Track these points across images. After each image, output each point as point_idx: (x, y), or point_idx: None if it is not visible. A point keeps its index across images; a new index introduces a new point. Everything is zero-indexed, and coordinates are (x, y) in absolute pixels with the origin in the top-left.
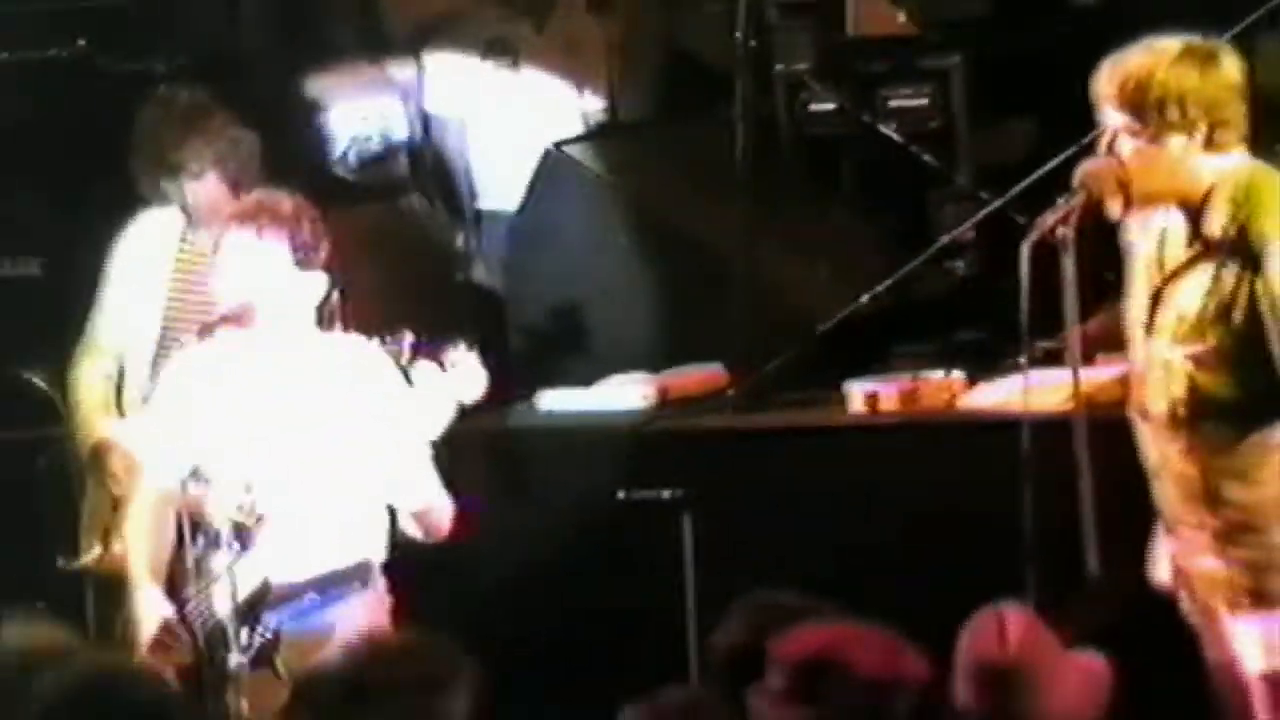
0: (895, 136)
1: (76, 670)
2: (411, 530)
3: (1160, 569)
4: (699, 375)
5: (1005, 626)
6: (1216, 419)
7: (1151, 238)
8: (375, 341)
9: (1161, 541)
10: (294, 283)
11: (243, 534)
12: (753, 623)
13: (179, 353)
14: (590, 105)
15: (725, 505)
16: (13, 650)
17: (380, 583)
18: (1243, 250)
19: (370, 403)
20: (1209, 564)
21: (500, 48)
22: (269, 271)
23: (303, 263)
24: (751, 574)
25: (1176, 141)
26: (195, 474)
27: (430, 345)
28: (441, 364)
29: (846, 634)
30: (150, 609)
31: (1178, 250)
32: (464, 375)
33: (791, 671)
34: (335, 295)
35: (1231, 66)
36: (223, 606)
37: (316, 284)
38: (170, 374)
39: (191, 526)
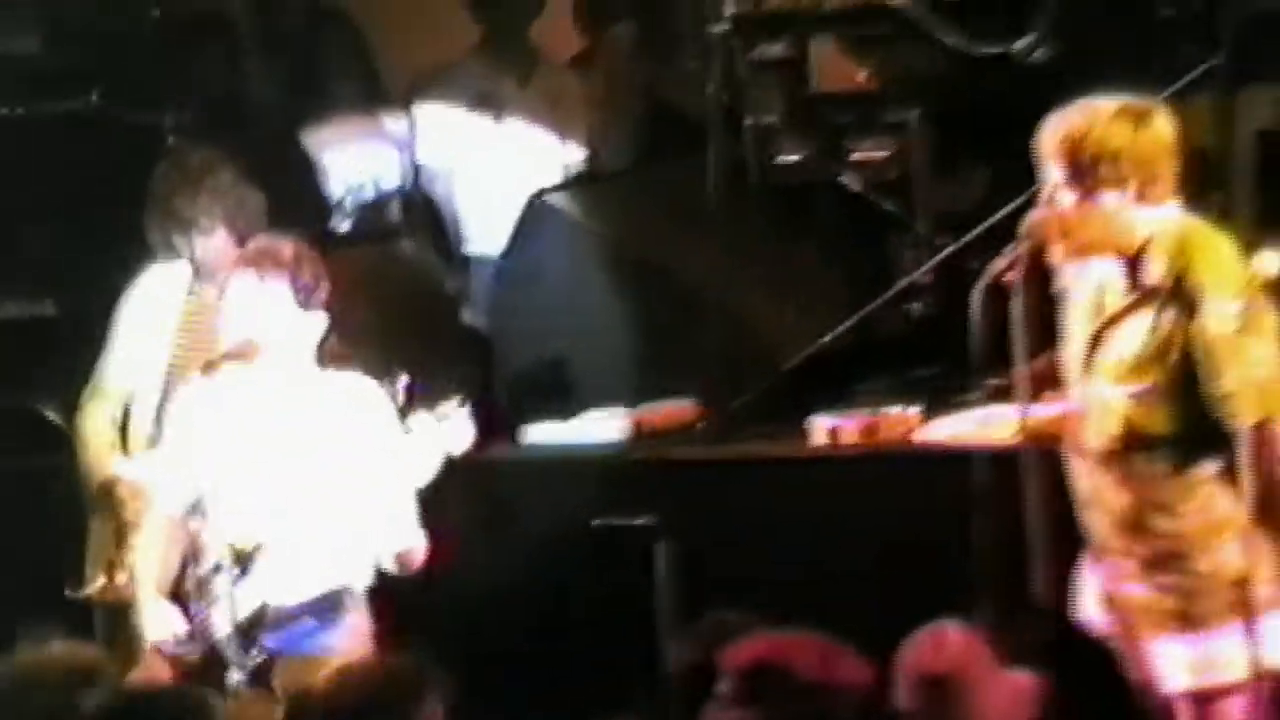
0: (856, 187)
1: (117, 688)
2: (387, 564)
3: (1084, 601)
4: (672, 410)
5: (944, 640)
6: (1148, 454)
7: (1090, 284)
8: (373, 381)
9: (1086, 573)
10: (295, 322)
11: (242, 559)
12: (705, 640)
13: (186, 387)
14: (571, 155)
15: (697, 532)
16: (58, 669)
17: (365, 608)
18: (1181, 297)
19: (365, 437)
20: (1136, 589)
21: (487, 102)
22: (271, 311)
23: (303, 303)
24: (721, 597)
25: (1110, 196)
26: (197, 505)
27: (424, 387)
28: (433, 408)
29: (788, 641)
30: (159, 622)
31: (1116, 297)
32: (454, 429)
33: (736, 676)
34: (334, 334)
35: (1164, 125)
36: (222, 627)
37: (317, 323)
38: (177, 407)
39: (194, 552)
